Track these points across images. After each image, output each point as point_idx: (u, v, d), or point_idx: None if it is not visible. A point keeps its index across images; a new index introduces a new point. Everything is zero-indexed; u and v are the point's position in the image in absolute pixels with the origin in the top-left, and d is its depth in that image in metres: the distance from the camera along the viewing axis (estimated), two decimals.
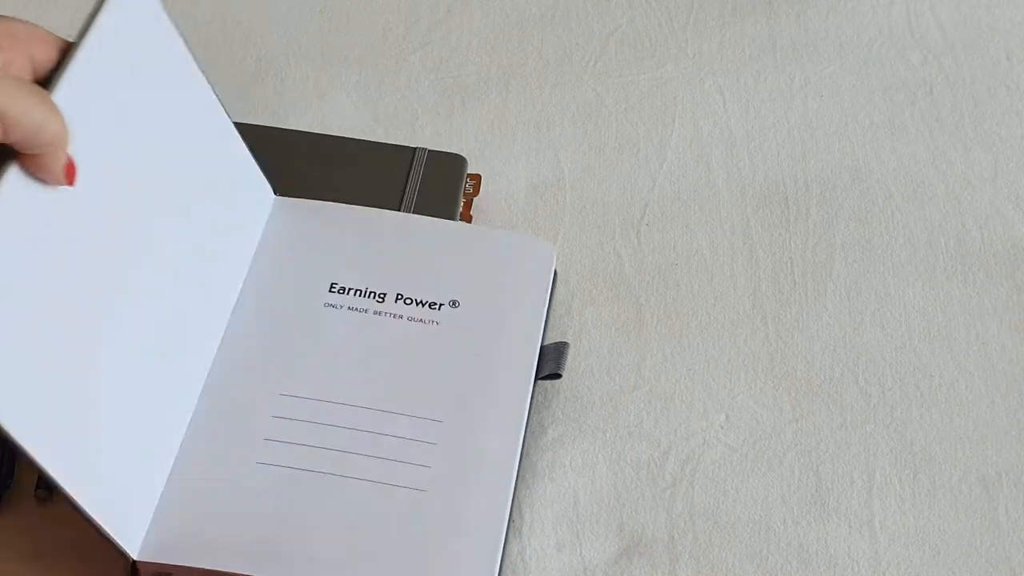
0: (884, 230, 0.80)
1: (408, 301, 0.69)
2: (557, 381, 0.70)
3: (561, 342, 0.70)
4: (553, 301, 0.73)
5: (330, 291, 0.69)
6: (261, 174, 0.72)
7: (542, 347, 0.69)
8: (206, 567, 0.59)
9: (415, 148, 0.78)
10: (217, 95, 0.67)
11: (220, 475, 0.62)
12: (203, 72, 0.66)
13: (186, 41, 0.65)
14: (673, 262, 0.78)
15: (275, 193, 0.73)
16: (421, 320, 0.69)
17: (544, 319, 0.70)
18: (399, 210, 0.75)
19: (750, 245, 0.79)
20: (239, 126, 0.79)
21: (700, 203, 0.81)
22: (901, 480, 0.68)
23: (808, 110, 0.86)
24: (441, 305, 0.69)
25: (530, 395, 0.67)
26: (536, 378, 0.68)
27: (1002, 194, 0.81)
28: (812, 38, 0.91)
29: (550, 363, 0.69)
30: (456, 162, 0.78)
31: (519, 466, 0.65)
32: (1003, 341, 0.74)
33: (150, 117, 0.62)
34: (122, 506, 0.59)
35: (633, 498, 0.67)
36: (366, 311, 0.69)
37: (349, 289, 0.70)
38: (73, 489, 0.55)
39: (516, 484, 0.64)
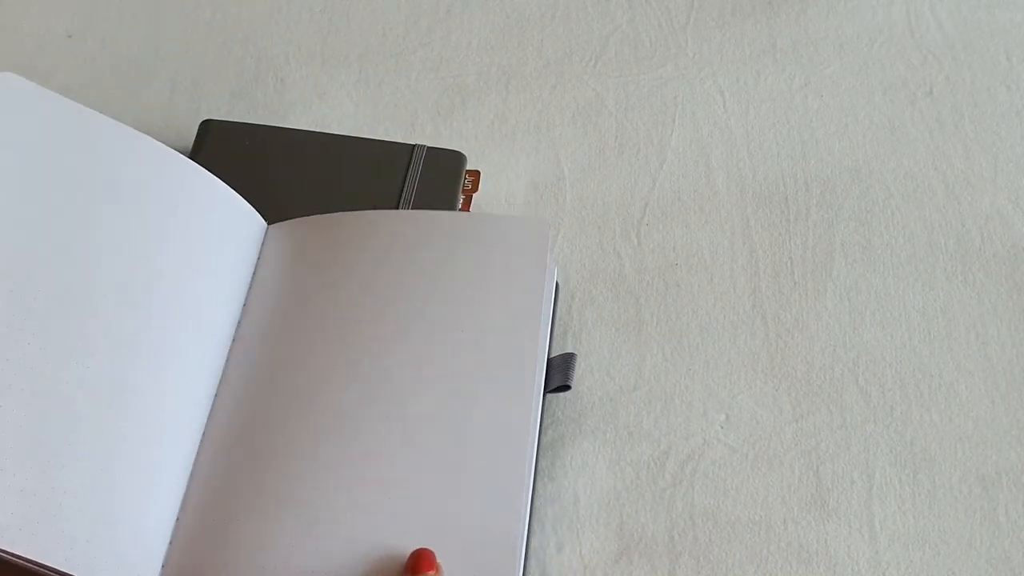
0: (884, 230, 0.80)
1: (406, 315, 0.67)
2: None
3: (568, 353, 0.69)
4: (556, 311, 0.72)
5: (324, 315, 0.67)
6: (242, 203, 0.71)
7: (549, 360, 0.68)
8: None
9: (414, 145, 0.78)
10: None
11: (225, 528, 0.60)
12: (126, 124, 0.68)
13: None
14: (673, 262, 0.78)
15: (274, 203, 0.72)
16: (421, 335, 0.67)
17: (549, 331, 0.69)
18: (398, 206, 0.74)
19: (750, 245, 0.79)
20: (239, 126, 0.79)
21: (700, 203, 0.81)
22: (901, 480, 0.68)
23: (808, 110, 0.86)
24: (443, 320, 0.67)
25: (539, 409, 0.66)
26: (545, 391, 0.67)
27: (1002, 194, 0.81)
28: (812, 38, 0.90)
29: (558, 375, 0.68)
30: (454, 158, 0.78)
31: (532, 488, 0.63)
32: (1003, 341, 0.74)
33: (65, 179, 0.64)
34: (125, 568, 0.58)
35: (633, 498, 0.67)
36: (364, 329, 0.67)
37: (347, 308, 0.68)
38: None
39: (530, 505, 0.63)
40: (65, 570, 0.54)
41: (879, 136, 0.85)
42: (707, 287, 0.77)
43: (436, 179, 0.76)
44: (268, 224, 0.72)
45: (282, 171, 0.75)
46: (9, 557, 0.53)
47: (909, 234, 0.79)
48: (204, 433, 0.63)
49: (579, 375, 0.72)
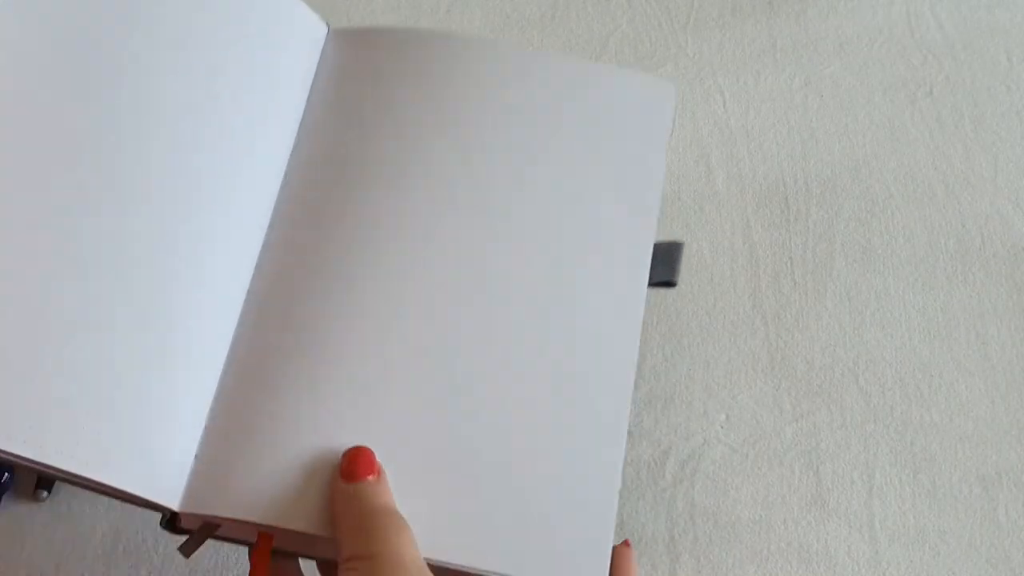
0: (884, 230, 0.80)
1: (505, 168, 0.56)
2: None
3: (675, 242, 0.59)
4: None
5: (399, 149, 0.55)
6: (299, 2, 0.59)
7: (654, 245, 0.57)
8: (256, 520, 0.48)
9: None
10: None
11: (271, 416, 0.50)
12: None
13: None
14: None
15: None
16: (522, 193, 0.56)
17: (660, 202, 0.58)
18: None
19: (750, 245, 0.79)
20: None
21: (700, 203, 0.81)
22: (901, 480, 0.68)
23: (808, 110, 0.86)
24: (550, 182, 0.56)
25: (643, 305, 0.56)
26: (649, 284, 0.57)
27: (1002, 194, 0.81)
28: (812, 38, 0.91)
29: (662, 268, 0.57)
30: None
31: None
32: (1003, 341, 0.74)
33: None
34: (153, 464, 0.49)
35: (633, 498, 0.67)
36: (450, 174, 0.55)
37: (428, 146, 0.56)
38: (93, 473, 0.46)
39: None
40: (84, 474, 0.46)
41: (879, 136, 0.85)
42: (707, 287, 0.77)
43: None
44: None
45: None
46: (16, 460, 0.46)
47: (909, 234, 0.79)
48: (247, 294, 0.53)
49: None
